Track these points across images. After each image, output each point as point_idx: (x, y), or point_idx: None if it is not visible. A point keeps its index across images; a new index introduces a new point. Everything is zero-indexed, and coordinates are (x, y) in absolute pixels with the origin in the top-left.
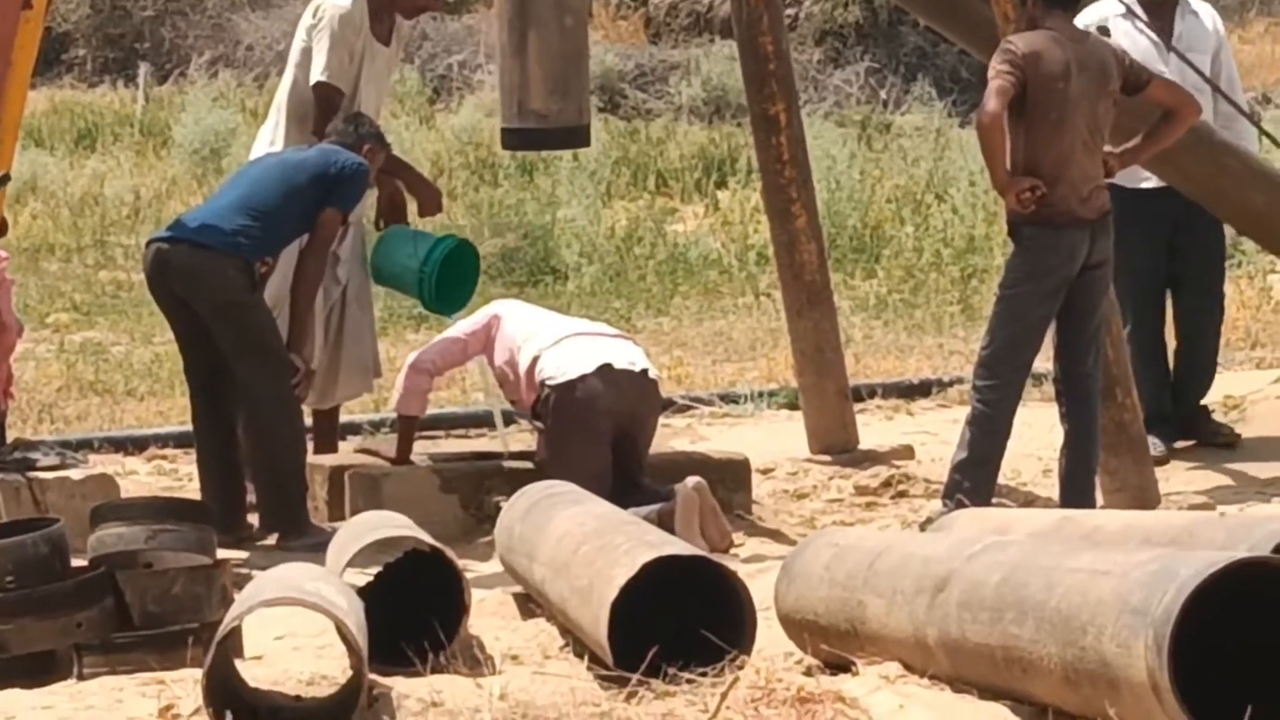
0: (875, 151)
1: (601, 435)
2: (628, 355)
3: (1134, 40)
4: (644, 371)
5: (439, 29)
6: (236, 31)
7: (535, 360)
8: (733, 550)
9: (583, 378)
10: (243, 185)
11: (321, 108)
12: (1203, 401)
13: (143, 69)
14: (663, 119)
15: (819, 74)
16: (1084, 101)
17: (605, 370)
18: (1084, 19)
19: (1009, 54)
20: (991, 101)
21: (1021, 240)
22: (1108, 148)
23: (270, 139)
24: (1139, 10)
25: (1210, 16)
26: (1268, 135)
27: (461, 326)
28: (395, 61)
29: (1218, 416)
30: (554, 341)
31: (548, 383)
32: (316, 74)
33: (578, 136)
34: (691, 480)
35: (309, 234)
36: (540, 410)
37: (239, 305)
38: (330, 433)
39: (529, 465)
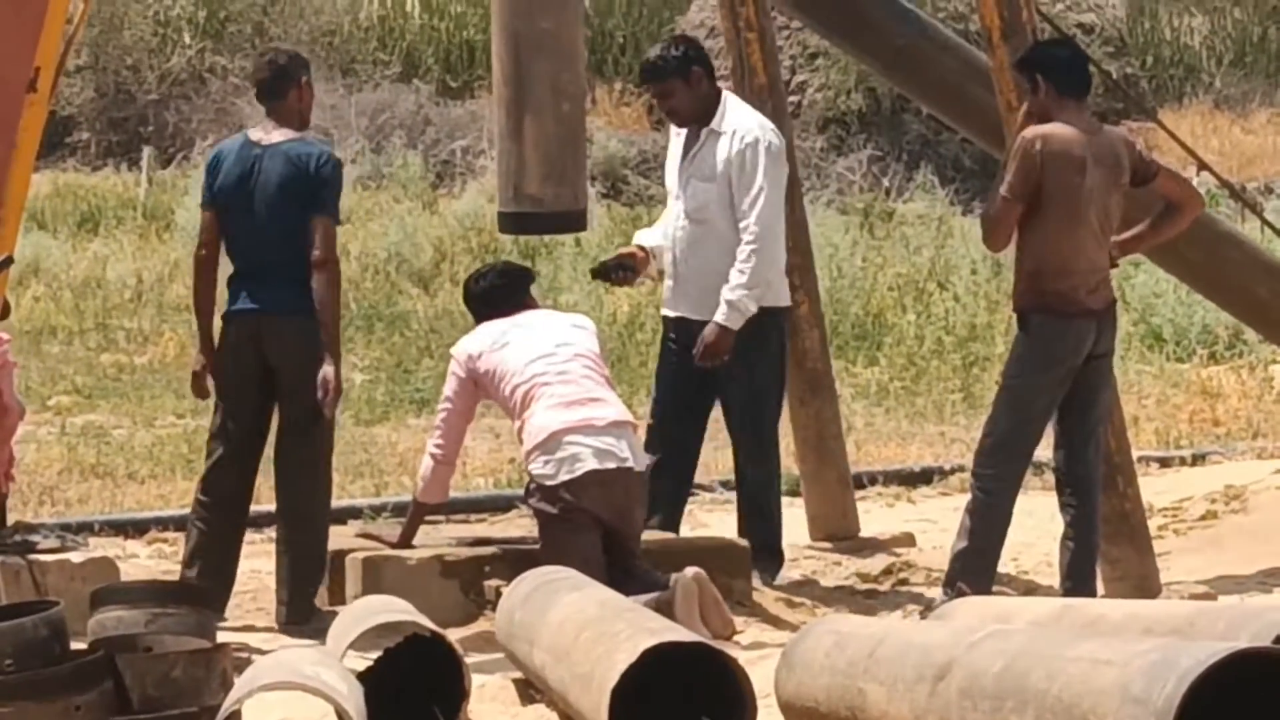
0: (877, 239)
1: (588, 528)
2: (614, 450)
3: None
4: (629, 468)
5: (442, 114)
6: (240, 115)
7: (522, 427)
8: (733, 637)
9: (569, 484)
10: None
11: None
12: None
13: (146, 152)
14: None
15: (822, 161)
16: (1097, 194)
17: (591, 475)
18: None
19: (1027, 145)
20: (1006, 190)
21: (1029, 329)
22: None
23: None
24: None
25: (732, 145)
26: (1269, 225)
27: (446, 391)
28: None
29: (1219, 506)
30: (538, 408)
31: (535, 477)
32: None
33: (574, 221)
34: (690, 570)
35: (314, 251)
36: (530, 499)
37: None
38: None
39: (529, 549)
